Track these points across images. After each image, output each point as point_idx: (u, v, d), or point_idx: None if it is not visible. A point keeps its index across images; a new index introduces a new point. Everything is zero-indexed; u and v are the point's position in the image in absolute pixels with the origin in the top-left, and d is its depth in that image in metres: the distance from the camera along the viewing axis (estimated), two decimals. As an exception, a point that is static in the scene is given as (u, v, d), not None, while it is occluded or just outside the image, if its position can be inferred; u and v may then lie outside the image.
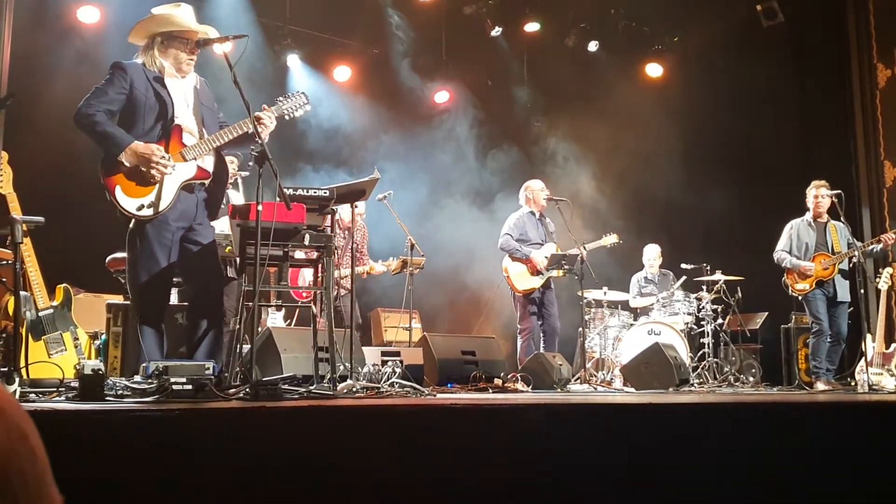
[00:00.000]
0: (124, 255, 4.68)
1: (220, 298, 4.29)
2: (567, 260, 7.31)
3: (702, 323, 7.92)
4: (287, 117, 4.32)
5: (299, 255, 4.46)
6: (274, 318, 6.84)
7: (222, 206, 4.40)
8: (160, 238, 3.93)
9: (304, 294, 6.60)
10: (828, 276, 6.73)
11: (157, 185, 3.90)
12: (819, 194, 6.84)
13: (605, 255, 8.59)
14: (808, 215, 6.95)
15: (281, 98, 4.30)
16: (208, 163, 4.09)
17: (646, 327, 7.62)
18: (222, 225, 4.99)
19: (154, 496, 2.18)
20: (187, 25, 4.07)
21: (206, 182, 4.11)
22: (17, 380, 3.37)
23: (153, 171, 3.85)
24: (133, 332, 4.48)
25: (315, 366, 4.33)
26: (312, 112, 8.82)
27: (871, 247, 6.64)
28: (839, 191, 6.51)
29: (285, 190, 3.91)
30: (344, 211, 5.48)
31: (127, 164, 3.85)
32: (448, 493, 2.50)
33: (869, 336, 6.52)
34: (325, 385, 4.07)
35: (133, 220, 3.89)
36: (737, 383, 7.52)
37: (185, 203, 4.00)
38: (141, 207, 3.87)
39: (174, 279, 4.26)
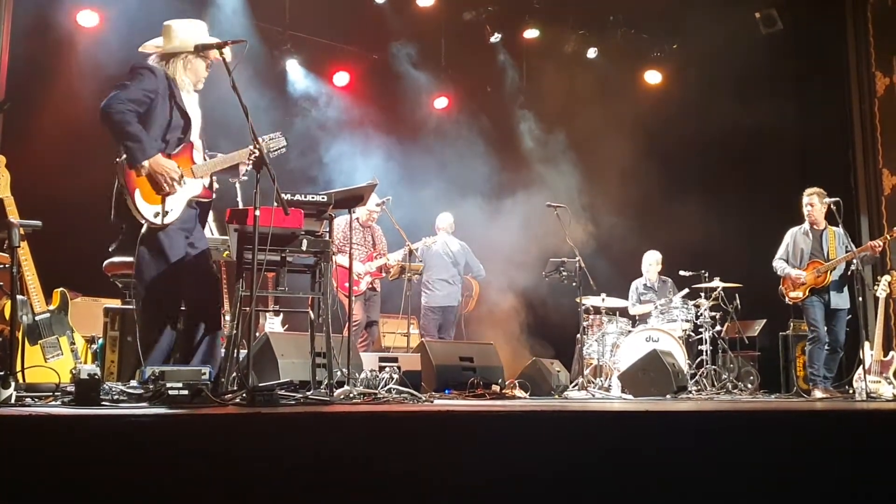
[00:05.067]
0: (122, 259, 4.70)
1: (217, 303, 4.30)
2: (565, 267, 7.32)
3: (700, 330, 7.90)
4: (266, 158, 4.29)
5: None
6: (272, 324, 6.83)
7: None
8: (172, 245, 4.00)
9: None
10: (821, 283, 6.73)
11: (172, 196, 3.97)
12: (810, 202, 6.86)
13: (605, 261, 8.60)
14: (806, 223, 6.96)
15: (264, 137, 4.25)
16: (210, 183, 4.20)
17: (644, 334, 7.61)
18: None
19: (150, 502, 2.17)
20: (214, 41, 4.11)
21: (205, 201, 4.19)
22: (13, 384, 3.35)
23: (165, 186, 3.91)
24: (130, 337, 4.49)
25: (312, 371, 4.32)
26: (311, 116, 8.92)
27: (861, 254, 6.64)
28: (837, 198, 6.51)
29: (283, 195, 3.91)
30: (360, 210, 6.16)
31: (143, 172, 3.89)
32: (445, 501, 2.49)
33: (867, 344, 6.51)
34: (322, 391, 4.06)
35: (145, 226, 3.92)
36: (735, 390, 7.51)
37: (186, 215, 4.09)
38: (157, 215, 3.93)
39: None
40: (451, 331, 8.05)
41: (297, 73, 8.92)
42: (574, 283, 7.13)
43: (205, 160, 4.17)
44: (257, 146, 3.92)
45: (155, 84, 3.98)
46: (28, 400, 3.45)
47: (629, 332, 7.79)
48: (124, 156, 3.87)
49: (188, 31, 4.12)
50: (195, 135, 4.15)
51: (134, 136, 3.86)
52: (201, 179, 4.10)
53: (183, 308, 4.12)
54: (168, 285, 3.99)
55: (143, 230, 3.91)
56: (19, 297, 4.21)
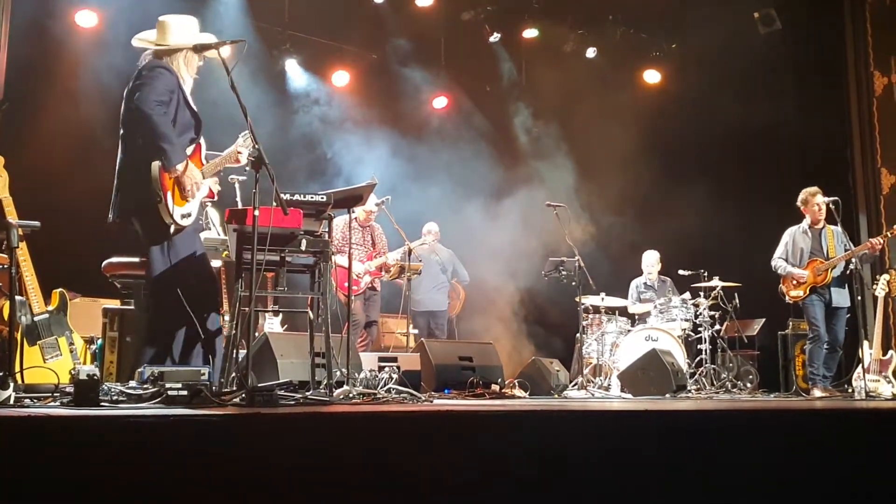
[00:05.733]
0: (121, 259, 4.71)
1: (217, 304, 4.31)
2: (565, 266, 7.32)
3: (699, 329, 7.91)
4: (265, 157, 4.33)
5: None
6: (271, 324, 6.82)
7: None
8: (187, 247, 4.06)
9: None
10: (822, 282, 6.74)
11: (193, 199, 4.03)
12: (818, 203, 6.85)
13: (604, 260, 8.59)
14: (805, 222, 6.96)
15: (244, 134, 4.27)
16: (212, 184, 4.27)
17: (643, 333, 7.61)
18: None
19: (149, 502, 2.16)
20: (212, 39, 4.12)
21: (209, 201, 4.29)
22: (12, 385, 3.34)
23: (188, 189, 3.96)
24: (129, 337, 4.50)
25: (311, 372, 4.32)
26: (310, 116, 8.92)
27: (860, 252, 6.64)
28: (836, 198, 6.51)
29: (282, 195, 3.91)
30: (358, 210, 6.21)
31: (174, 175, 3.92)
32: (445, 500, 2.49)
33: (866, 343, 6.52)
34: (322, 391, 4.06)
35: (172, 228, 3.95)
36: (734, 390, 7.51)
37: (197, 216, 4.17)
38: (184, 216, 3.99)
39: None
40: (441, 334, 8.13)
41: (296, 73, 8.92)
42: (573, 283, 7.12)
43: (206, 160, 4.21)
44: (256, 146, 3.92)
45: (172, 83, 3.99)
46: (27, 401, 3.44)
47: (628, 331, 7.80)
48: (159, 160, 3.87)
49: (184, 28, 4.11)
50: (202, 137, 4.19)
51: (170, 139, 3.88)
52: (208, 180, 4.16)
53: (186, 307, 4.13)
54: (178, 285, 4.02)
55: (171, 231, 3.96)
56: (18, 297, 4.20)
